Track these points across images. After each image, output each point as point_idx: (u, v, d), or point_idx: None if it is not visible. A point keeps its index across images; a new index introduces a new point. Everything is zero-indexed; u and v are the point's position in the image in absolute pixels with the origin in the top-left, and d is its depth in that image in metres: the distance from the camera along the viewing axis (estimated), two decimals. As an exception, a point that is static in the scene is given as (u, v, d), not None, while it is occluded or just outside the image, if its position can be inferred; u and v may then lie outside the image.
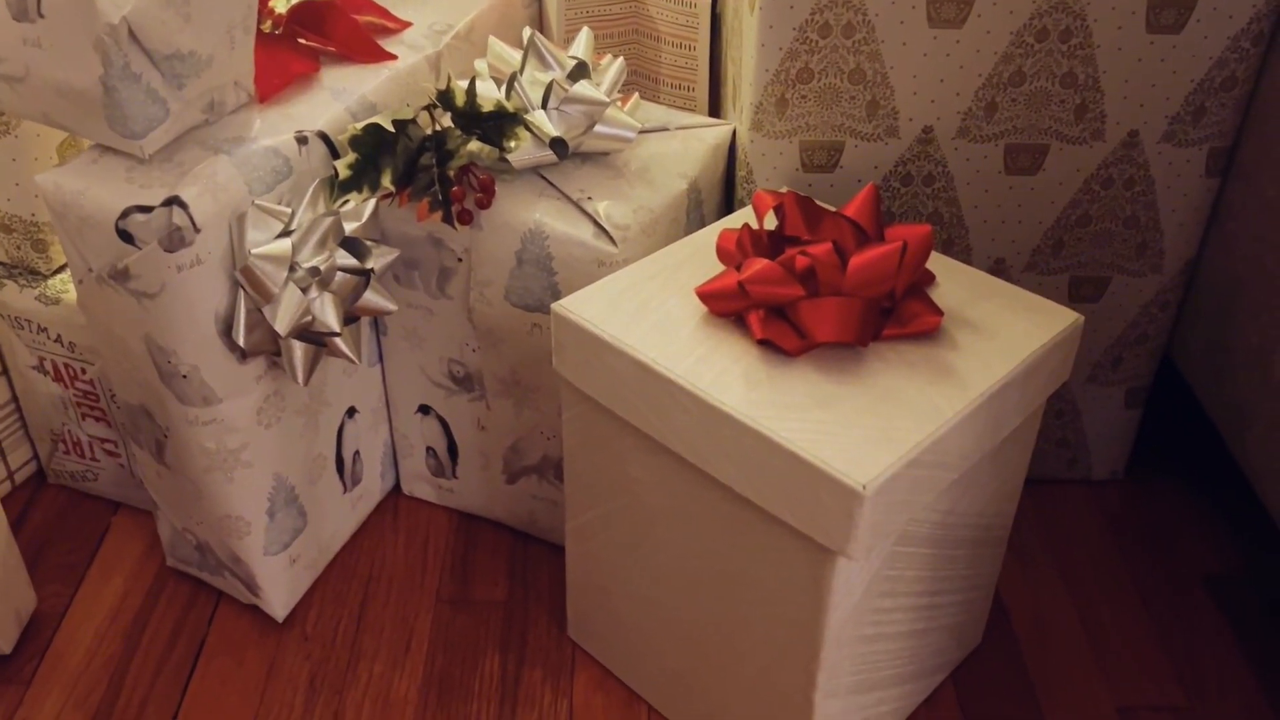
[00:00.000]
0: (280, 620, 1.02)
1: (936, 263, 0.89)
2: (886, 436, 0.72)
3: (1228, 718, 0.95)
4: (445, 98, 0.91)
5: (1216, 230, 1.04)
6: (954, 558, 0.87)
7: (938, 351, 0.79)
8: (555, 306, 0.82)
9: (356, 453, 1.08)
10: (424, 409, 1.08)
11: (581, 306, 0.82)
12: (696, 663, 0.88)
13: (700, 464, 0.77)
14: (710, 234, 0.91)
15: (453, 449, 1.09)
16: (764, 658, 0.81)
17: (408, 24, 1.07)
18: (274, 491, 0.96)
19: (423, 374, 1.05)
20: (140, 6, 0.76)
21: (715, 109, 1.20)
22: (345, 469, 1.06)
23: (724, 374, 0.76)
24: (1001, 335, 0.81)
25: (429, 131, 0.91)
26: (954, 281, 0.87)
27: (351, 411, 1.05)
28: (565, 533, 0.94)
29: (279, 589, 1.00)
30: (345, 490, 1.07)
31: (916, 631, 0.87)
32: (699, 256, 0.88)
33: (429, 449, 1.10)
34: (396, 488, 1.16)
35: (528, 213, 0.92)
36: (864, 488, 0.68)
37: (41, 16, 0.77)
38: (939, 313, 0.80)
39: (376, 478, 1.12)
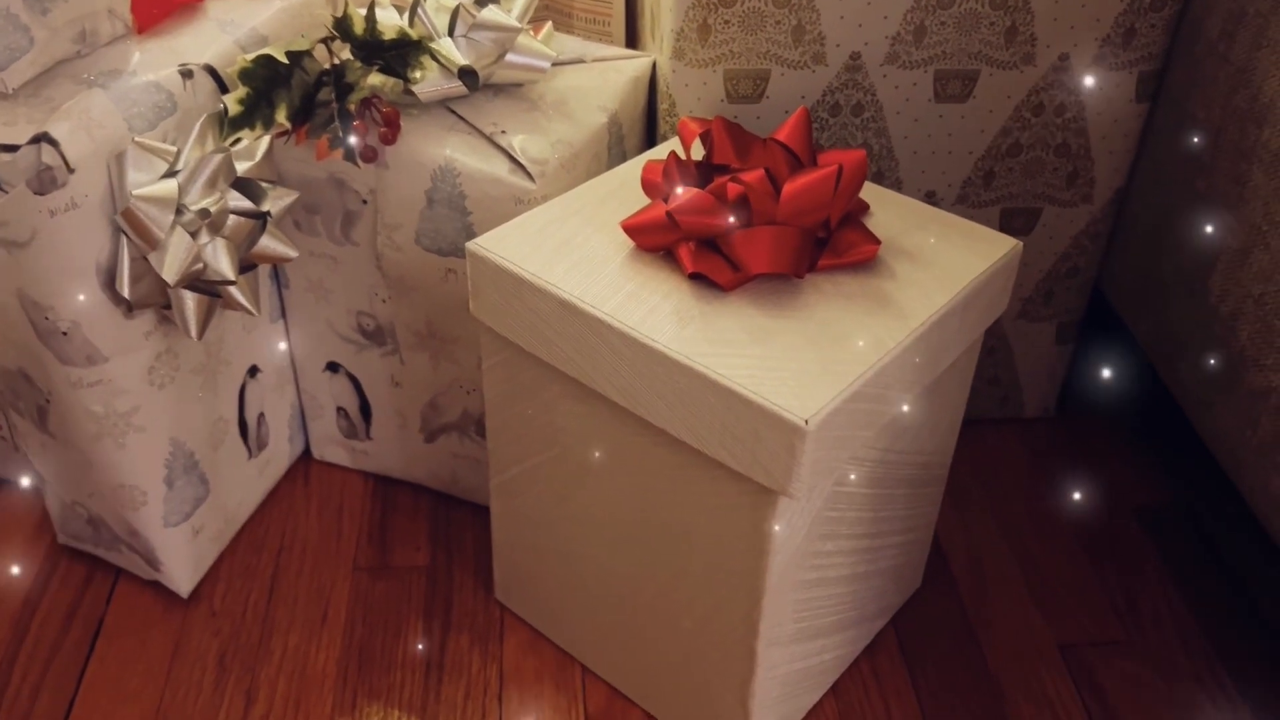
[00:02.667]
0: (185, 596, 0.95)
1: (869, 192, 0.85)
2: (827, 370, 0.68)
3: (1165, 649, 0.95)
4: (343, 26, 0.85)
5: (1146, 158, 1.03)
6: (894, 497, 0.84)
7: (875, 281, 0.76)
8: (470, 245, 0.77)
9: (261, 415, 1.01)
10: (333, 366, 1.02)
11: (499, 244, 0.77)
12: (633, 619, 0.84)
13: (632, 408, 0.72)
14: (635, 167, 0.86)
15: (365, 408, 1.03)
16: (703, 609, 0.78)
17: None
18: (171, 458, 0.89)
19: (330, 328, 0.99)
20: (-8, -82, 0.69)
21: (632, 45, 1.15)
22: (249, 433, 0.99)
23: (654, 311, 0.72)
24: (940, 264, 0.78)
25: (326, 66, 0.85)
26: (888, 210, 0.83)
27: (254, 371, 0.98)
28: (489, 490, 0.89)
29: (182, 563, 0.94)
30: (251, 456, 1.00)
31: (857, 575, 0.84)
32: (624, 191, 0.83)
33: (340, 409, 1.04)
34: (307, 452, 1.10)
35: (437, 149, 0.86)
36: (806, 423, 0.64)
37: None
38: (876, 241, 0.77)
39: (284, 441, 1.06)
